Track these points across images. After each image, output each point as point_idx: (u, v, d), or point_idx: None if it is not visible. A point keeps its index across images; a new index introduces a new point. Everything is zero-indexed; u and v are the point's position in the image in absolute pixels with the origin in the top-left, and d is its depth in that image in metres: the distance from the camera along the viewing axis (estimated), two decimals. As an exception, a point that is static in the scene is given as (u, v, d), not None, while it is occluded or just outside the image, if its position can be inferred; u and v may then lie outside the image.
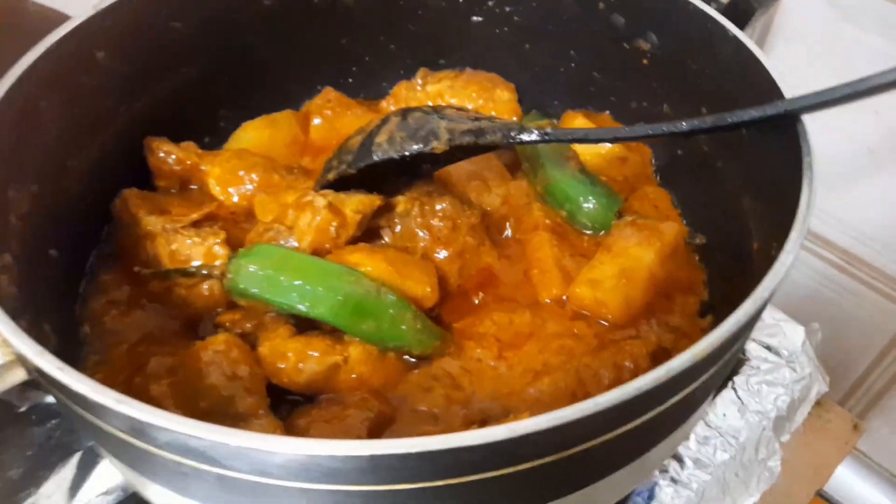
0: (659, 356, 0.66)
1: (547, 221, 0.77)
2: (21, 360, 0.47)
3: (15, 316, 0.48)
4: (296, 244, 0.66)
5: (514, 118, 0.90)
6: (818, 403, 0.82)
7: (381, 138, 0.67)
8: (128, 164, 0.78)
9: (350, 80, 0.95)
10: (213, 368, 0.57)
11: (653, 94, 0.81)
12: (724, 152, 0.71)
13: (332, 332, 0.62)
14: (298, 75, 0.92)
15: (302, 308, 0.59)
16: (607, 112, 0.89)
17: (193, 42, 0.80)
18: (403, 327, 0.62)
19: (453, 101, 0.90)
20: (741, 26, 0.71)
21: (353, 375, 0.60)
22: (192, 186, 0.80)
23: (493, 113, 0.89)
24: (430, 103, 0.90)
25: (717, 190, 0.74)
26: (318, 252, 0.66)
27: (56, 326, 0.60)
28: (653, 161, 0.85)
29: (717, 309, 0.70)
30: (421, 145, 0.65)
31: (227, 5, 0.81)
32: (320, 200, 0.66)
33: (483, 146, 0.65)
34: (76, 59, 0.68)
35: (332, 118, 0.89)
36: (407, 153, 0.65)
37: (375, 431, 0.58)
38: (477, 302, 0.71)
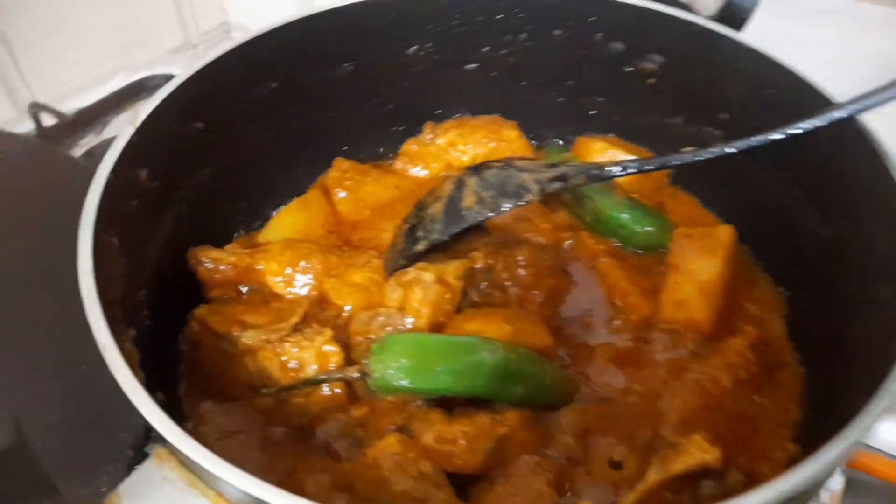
0: (758, 349, 0.71)
1: (602, 247, 0.81)
2: None
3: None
4: (411, 323, 0.65)
5: (530, 154, 0.93)
6: None
7: (468, 202, 0.68)
8: (175, 285, 0.72)
9: (354, 149, 0.93)
10: (399, 475, 0.54)
11: (663, 108, 0.87)
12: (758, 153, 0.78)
13: (478, 405, 0.62)
14: (306, 151, 0.89)
15: (459, 389, 0.59)
16: (612, 134, 0.93)
17: (210, 139, 0.76)
18: (548, 381, 0.63)
19: (467, 148, 0.92)
20: (738, 28, 0.79)
21: (517, 441, 0.60)
22: (244, 288, 0.76)
23: (508, 154, 0.91)
24: (452, 159, 0.91)
25: (745, 183, 0.80)
26: (435, 327, 0.66)
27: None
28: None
29: (787, 286, 0.77)
30: (514, 200, 0.66)
31: (237, 93, 0.78)
32: (427, 275, 0.65)
33: (568, 190, 0.67)
34: (126, 183, 0.63)
35: (354, 188, 0.87)
36: (503, 210, 0.66)
37: (560, 488, 0.59)
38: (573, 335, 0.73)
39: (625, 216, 0.80)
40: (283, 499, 0.41)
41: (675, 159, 0.67)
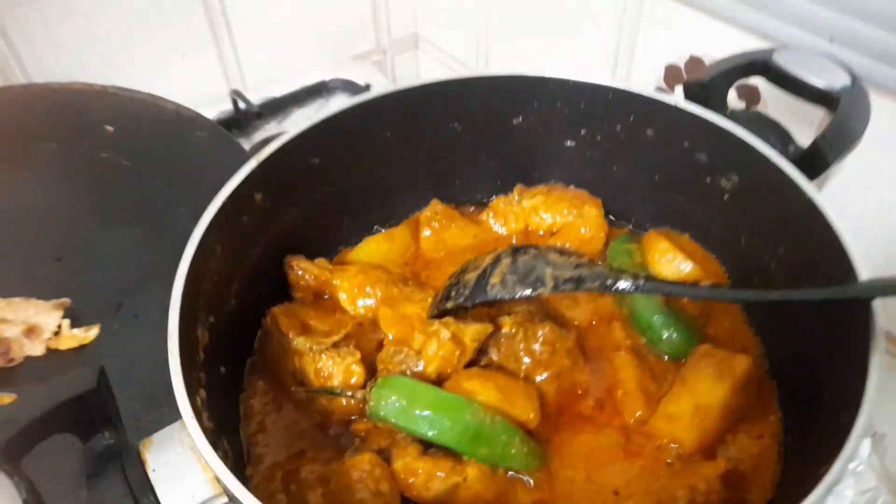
0: (730, 478, 0.75)
1: (628, 342, 0.87)
2: (227, 493, 0.60)
3: (215, 448, 0.61)
4: (422, 367, 0.78)
5: (602, 234, 1.00)
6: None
7: (494, 279, 0.79)
8: (269, 279, 0.91)
9: (453, 191, 1.07)
10: (362, 486, 0.69)
11: (732, 226, 0.90)
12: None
13: (452, 453, 0.74)
14: (408, 188, 1.04)
15: (430, 435, 0.71)
16: (687, 234, 0.98)
17: (324, 171, 0.93)
18: (513, 451, 0.73)
19: (547, 216, 1.02)
20: (813, 176, 0.80)
21: (471, 492, 0.72)
22: (324, 296, 0.94)
23: (583, 230, 1.00)
24: (532, 222, 1.02)
25: (791, 323, 0.82)
26: (441, 375, 0.78)
27: (229, 441, 0.73)
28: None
29: (790, 434, 0.78)
30: (529, 290, 0.76)
31: (355, 138, 0.94)
32: (445, 333, 0.78)
33: (581, 291, 0.76)
34: (241, 204, 0.82)
35: (439, 230, 1.01)
36: (517, 296, 0.77)
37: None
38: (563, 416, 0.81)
39: (656, 318, 0.85)
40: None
41: (690, 292, 0.72)
